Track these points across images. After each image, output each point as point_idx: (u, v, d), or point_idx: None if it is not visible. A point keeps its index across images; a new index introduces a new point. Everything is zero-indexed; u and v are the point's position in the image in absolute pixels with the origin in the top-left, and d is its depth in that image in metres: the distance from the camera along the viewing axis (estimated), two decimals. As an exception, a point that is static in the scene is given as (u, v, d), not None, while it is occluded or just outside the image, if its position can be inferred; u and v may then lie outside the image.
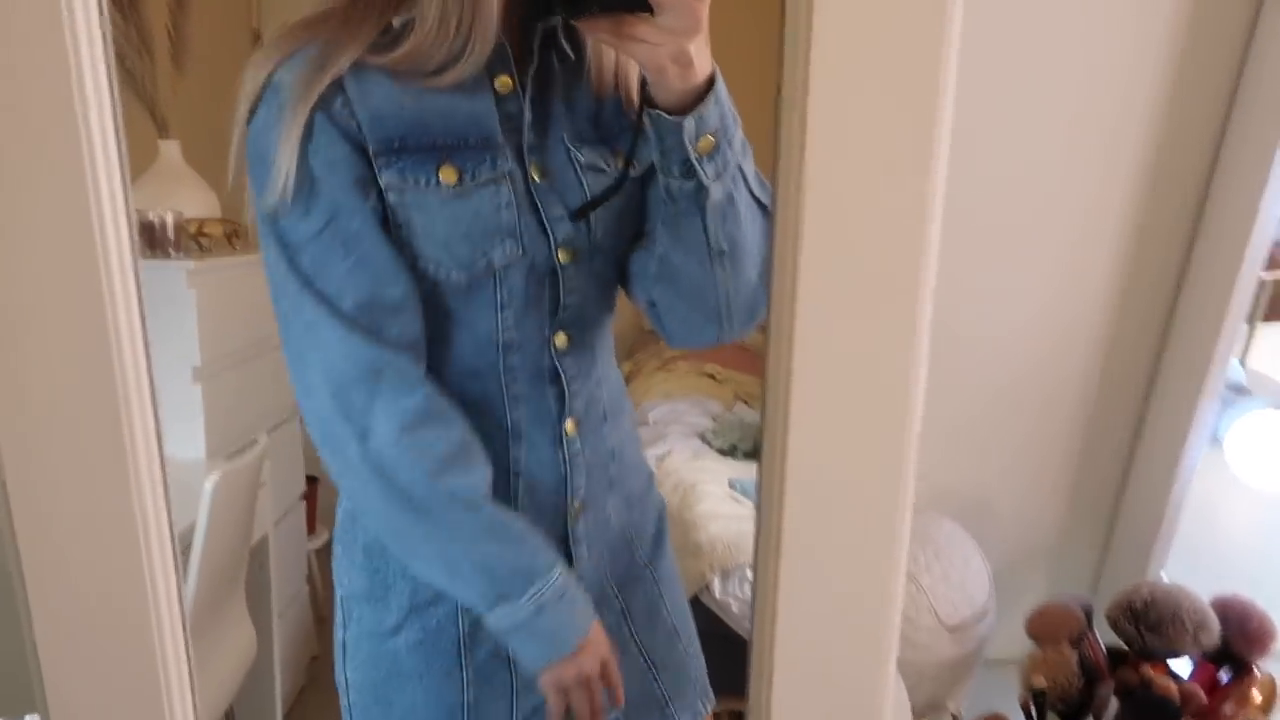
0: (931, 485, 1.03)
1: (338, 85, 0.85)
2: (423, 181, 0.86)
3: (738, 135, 0.86)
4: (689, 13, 0.77)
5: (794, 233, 0.62)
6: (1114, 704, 0.88)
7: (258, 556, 1.80)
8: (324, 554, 2.48)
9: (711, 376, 2.74)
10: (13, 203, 0.62)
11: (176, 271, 1.77)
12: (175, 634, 0.73)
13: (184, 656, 0.74)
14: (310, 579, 2.39)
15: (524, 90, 0.91)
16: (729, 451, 2.26)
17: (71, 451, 0.67)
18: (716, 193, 0.86)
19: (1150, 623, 0.91)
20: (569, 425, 0.98)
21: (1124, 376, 1.07)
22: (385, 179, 0.86)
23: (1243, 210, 0.94)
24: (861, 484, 0.68)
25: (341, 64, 0.85)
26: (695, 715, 1.12)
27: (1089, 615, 0.96)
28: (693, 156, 0.83)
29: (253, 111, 0.86)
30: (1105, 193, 1.06)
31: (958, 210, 1.03)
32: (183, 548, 1.52)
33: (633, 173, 0.94)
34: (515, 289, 0.91)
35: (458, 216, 0.88)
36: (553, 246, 0.92)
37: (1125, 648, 0.95)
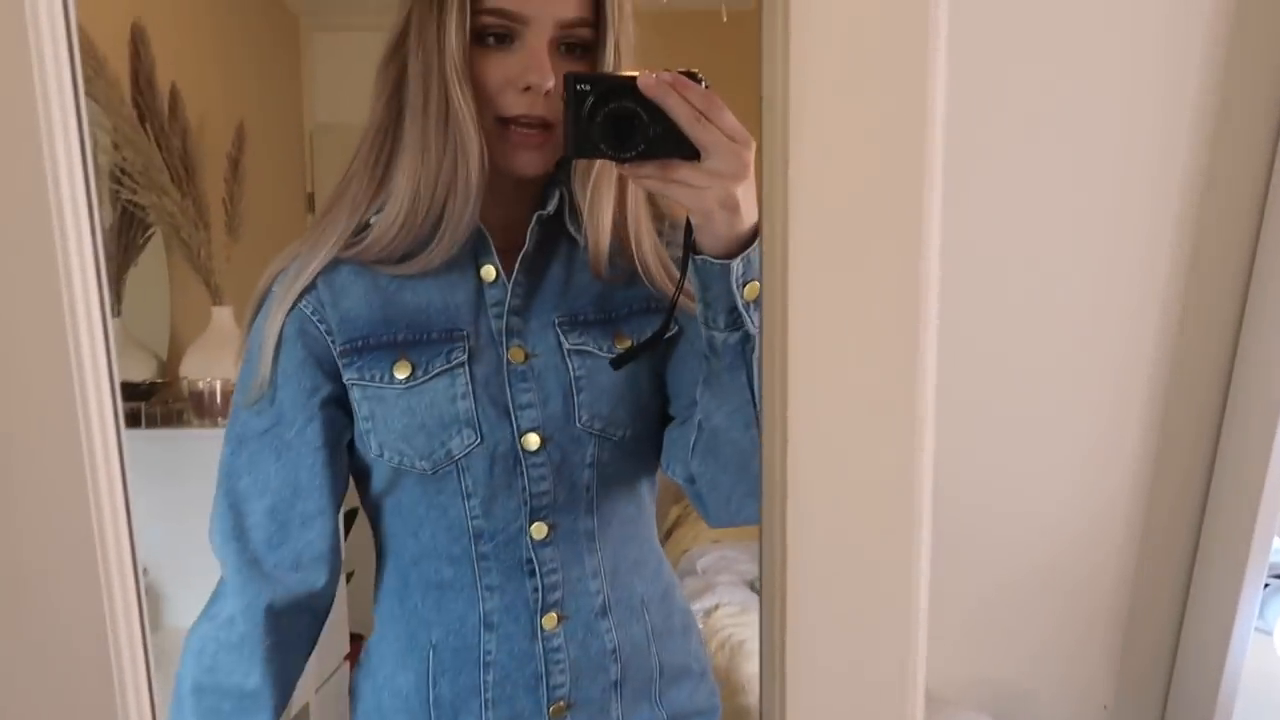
0: (964, 676, 0.98)
1: (312, 290, 0.91)
2: (379, 377, 0.91)
3: None
4: (735, 157, 0.77)
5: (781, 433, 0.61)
6: None
7: (298, 727, 1.77)
8: (371, 713, 2.44)
9: (761, 521, 2.70)
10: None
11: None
12: None
13: None
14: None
15: (509, 275, 0.93)
16: (781, 600, 2.21)
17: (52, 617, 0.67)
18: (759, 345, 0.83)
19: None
20: (547, 620, 0.95)
21: (1163, 560, 1.02)
22: (347, 376, 0.92)
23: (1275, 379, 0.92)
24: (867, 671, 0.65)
25: (313, 269, 0.91)
26: None
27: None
28: (739, 303, 0.81)
29: (252, 320, 0.93)
30: (1131, 370, 1.04)
31: (984, 393, 1.02)
32: None
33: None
34: (479, 477, 0.92)
35: (413, 409, 0.90)
36: (515, 433, 0.92)
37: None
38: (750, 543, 2.58)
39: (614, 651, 0.97)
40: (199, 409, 1.86)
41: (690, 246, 0.82)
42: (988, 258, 1.04)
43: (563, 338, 0.93)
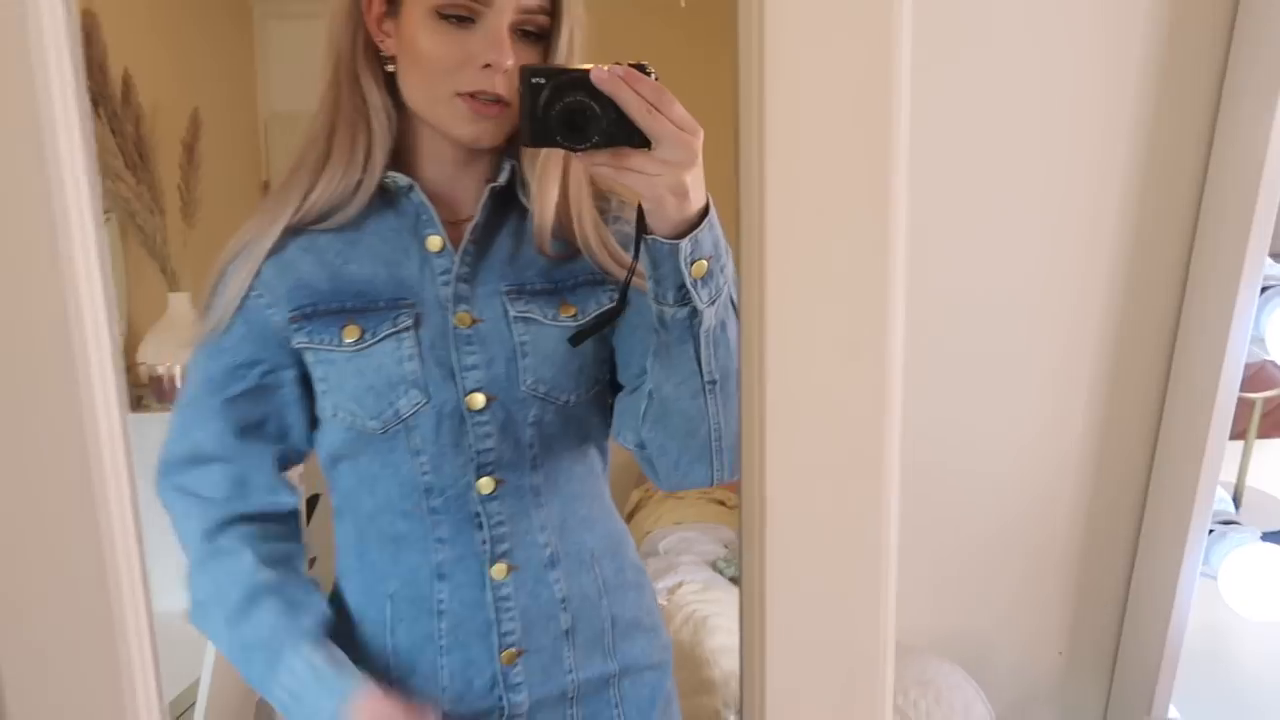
0: (933, 628, 1.02)
1: (256, 273, 1.00)
2: (328, 340, 0.98)
3: (729, 264, 0.89)
4: (684, 146, 0.82)
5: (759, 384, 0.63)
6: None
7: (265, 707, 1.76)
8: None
9: (722, 503, 2.72)
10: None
11: (184, 423, 1.79)
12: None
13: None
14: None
15: (458, 245, 0.99)
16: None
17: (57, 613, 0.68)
18: (709, 318, 0.89)
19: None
20: (496, 570, 1.00)
21: (1112, 515, 1.08)
22: (296, 340, 1.00)
23: (1215, 337, 0.96)
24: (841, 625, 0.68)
25: (259, 251, 0.99)
26: None
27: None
28: (688, 280, 0.86)
29: (211, 300, 1.03)
30: (1080, 340, 1.08)
31: (946, 368, 1.05)
32: (187, 705, 1.50)
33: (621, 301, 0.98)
34: (427, 435, 0.99)
35: (361, 370, 0.98)
36: (460, 393, 0.98)
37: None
38: (709, 524, 2.61)
39: (563, 601, 1.03)
40: (158, 394, 1.85)
41: (642, 229, 0.87)
42: (948, 241, 1.08)
43: (508, 305, 1.00)
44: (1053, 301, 1.07)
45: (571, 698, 1.04)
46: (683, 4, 1.89)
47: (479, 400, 0.99)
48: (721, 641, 1.88)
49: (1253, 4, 0.92)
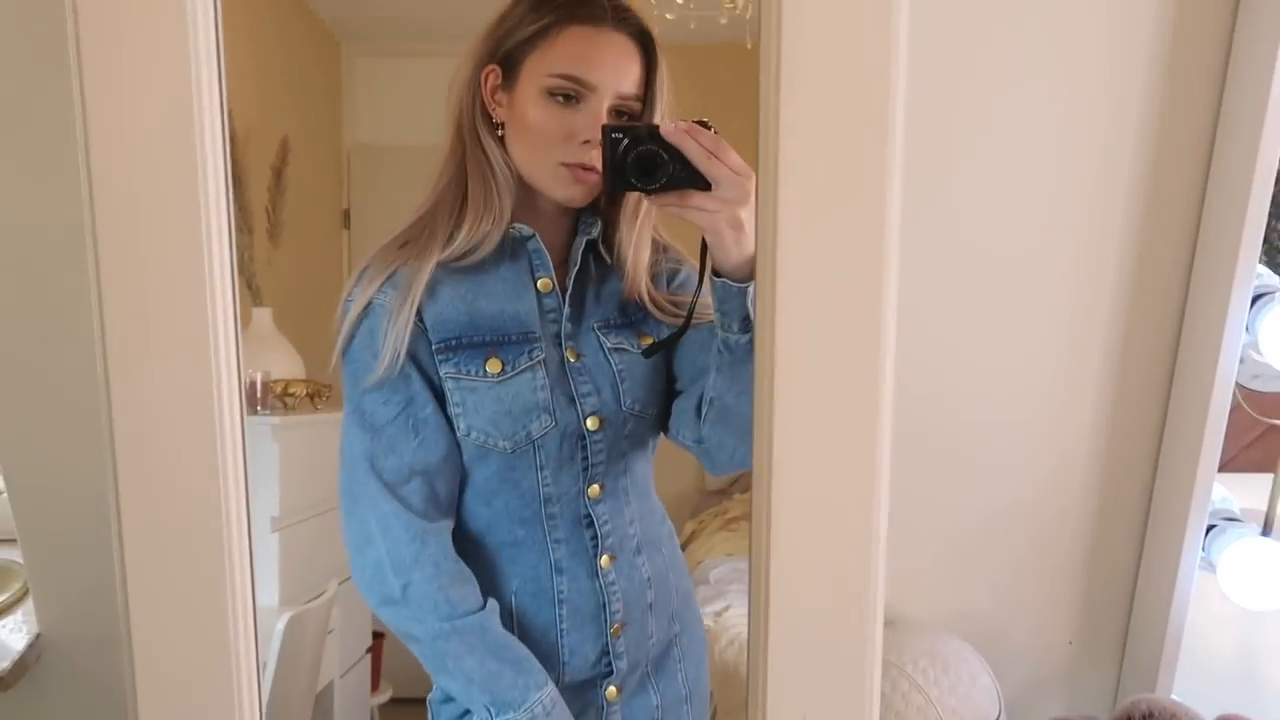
0: (944, 607, 1.08)
1: (417, 309, 1.09)
2: (473, 371, 1.10)
3: None
4: (739, 187, 0.96)
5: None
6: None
7: (323, 703, 1.83)
8: (386, 710, 2.50)
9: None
10: (142, 365, 0.73)
11: (262, 426, 1.89)
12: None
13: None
14: (372, 735, 2.40)
15: (564, 290, 1.14)
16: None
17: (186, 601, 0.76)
18: None
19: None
20: (604, 560, 1.16)
21: (1120, 507, 1.12)
22: (444, 370, 1.10)
23: (1211, 338, 1.02)
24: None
25: (418, 288, 1.08)
26: None
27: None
28: (752, 314, 0.98)
29: (352, 334, 1.10)
30: (1087, 332, 1.13)
31: (951, 352, 1.11)
32: (253, 688, 1.57)
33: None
34: (550, 453, 1.13)
35: (501, 398, 1.10)
36: (580, 417, 1.13)
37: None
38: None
39: (649, 580, 1.21)
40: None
41: (706, 264, 1.02)
42: (952, 234, 1.14)
43: (602, 339, 1.16)
44: (1061, 297, 1.12)
45: (651, 658, 1.22)
46: (749, 46, 1.98)
47: (594, 422, 1.13)
48: (766, 663, 1.92)
49: (1252, 13, 0.99)
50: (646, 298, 1.18)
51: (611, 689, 1.19)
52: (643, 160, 0.97)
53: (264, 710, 1.57)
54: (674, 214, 1.01)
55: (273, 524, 1.89)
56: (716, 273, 1.01)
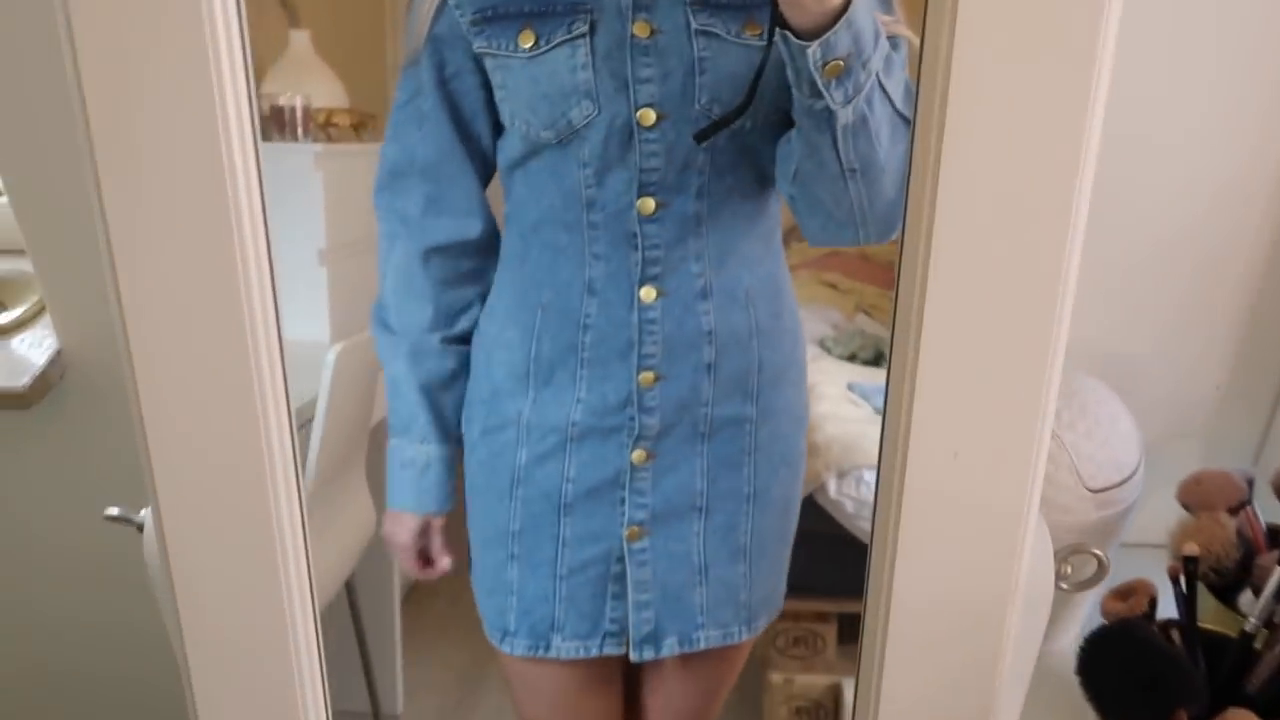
0: (1079, 342, 0.96)
1: None
2: (505, 45, 0.96)
3: (876, 57, 0.83)
4: None
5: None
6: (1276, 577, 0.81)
7: (376, 438, 1.82)
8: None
9: (833, 286, 2.67)
10: (139, 81, 0.62)
11: (304, 154, 1.79)
12: (291, 502, 0.74)
13: (300, 524, 0.76)
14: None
15: None
16: (848, 360, 2.21)
17: (193, 323, 0.68)
18: (845, 116, 0.84)
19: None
20: (645, 293, 0.99)
21: None
22: (477, 45, 0.98)
23: None
24: (1001, 363, 0.64)
25: None
26: (726, 635, 1.10)
27: (1250, 486, 0.89)
28: (819, 81, 0.81)
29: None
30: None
31: (1120, 59, 0.95)
32: (306, 420, 1.55)
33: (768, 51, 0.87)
34: (595, 148, 0.96)
35: (535, 78, 0.95)
36: (631, 108, 0.93)
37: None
38: (820, 306, 2.57)
39: (709, 334, 1.01)
40: (280, 125, 1.85)
41: (777, 20, 0.80)
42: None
43: (692, 16, 0.92)
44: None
45: (703, 432, 1.04)
46: None
47: (650, 116, 0.94)
48: (825, 409, 1.88)
49: None
50: None
51: (639, 451, 1.03)
52: None
53: (319, 440, 1.57)
54: None
55: (320, 258, 1.83)
56: (784, 24, 0.81)
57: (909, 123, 0.85)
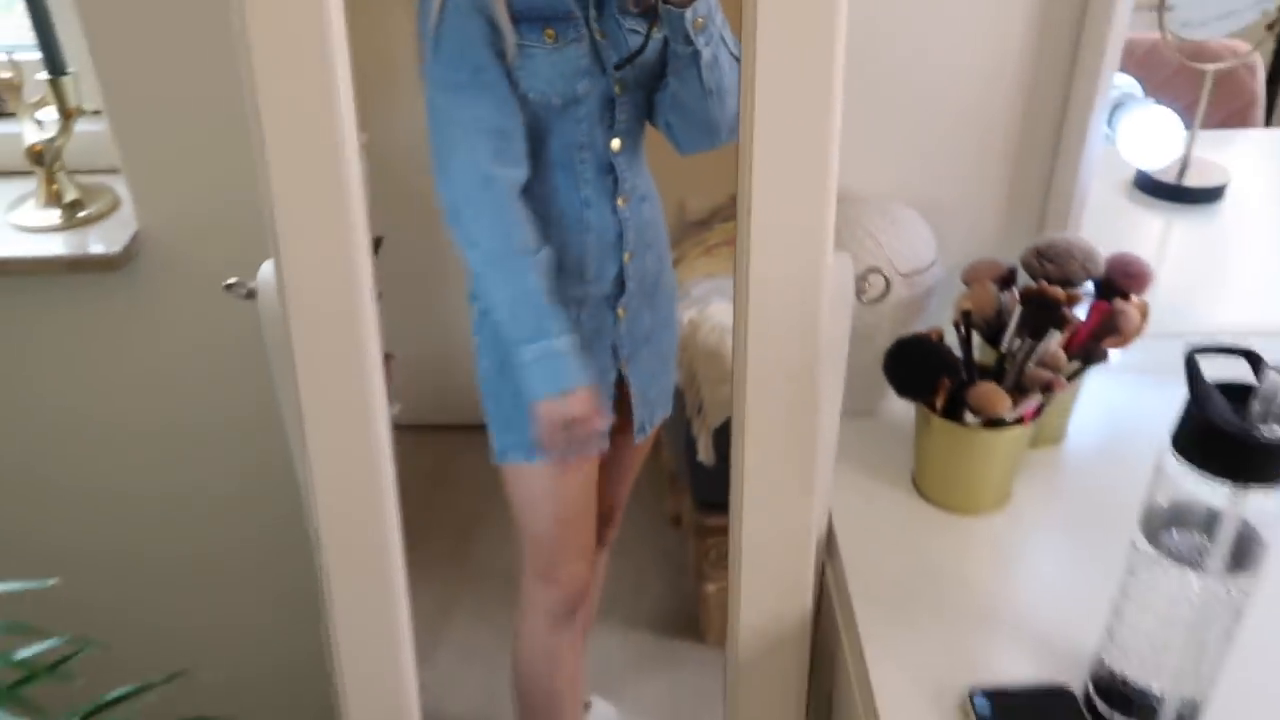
0: (892, 180, 1.34)
1: None
2: (535, 38, 1.37)
3: (719, 16, 1.36)
4: None
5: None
6: (1018, 311, 1.19)
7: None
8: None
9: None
10: None
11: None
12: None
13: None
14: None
15: None
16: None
17: None
18: (705, 55, 1.38)
19: (1048, 256, 1.22)
20: (620, 200, 1.47)
21: (1045, 87, 1.32)
22: (514, 39, 1.36)
23: None
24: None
25: None
26: (651, 420, 1.72)
27: (1013, 271, 1.28)
28: (690, 33, 1.34)
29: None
30: None
31: None
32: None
33: (655, 34, 1.40)
34: (590, 109, 1.43)
35: (555, 63, 1.39)
36: (611, 83, 1.43)
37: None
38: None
39: (648, 221, 1.53)
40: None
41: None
42: None
43: (620, 23, 1.42)
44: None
45: (646, 287, 1.59)
46: None
47: (619, 88, 1.45)
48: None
49: None
50: None
51: (621, 309, 1.57)
52: None
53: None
54: None
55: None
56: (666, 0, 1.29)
57: (739, 59, 1.21)
